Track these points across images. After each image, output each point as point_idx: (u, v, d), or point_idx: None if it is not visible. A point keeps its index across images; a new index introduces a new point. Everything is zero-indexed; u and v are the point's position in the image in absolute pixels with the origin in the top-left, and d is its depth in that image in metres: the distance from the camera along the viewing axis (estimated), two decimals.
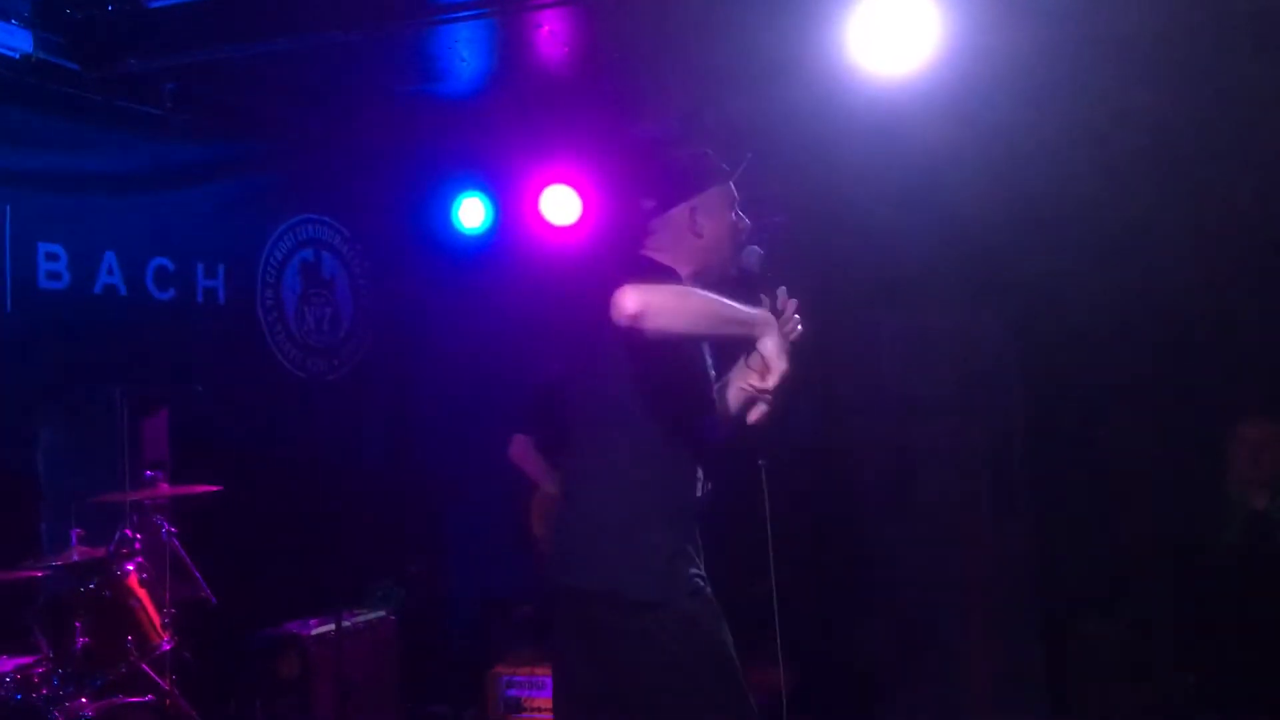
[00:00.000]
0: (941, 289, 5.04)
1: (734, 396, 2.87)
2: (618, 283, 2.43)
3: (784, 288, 2.74)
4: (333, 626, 4.72)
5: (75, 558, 3.85)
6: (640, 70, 5.29)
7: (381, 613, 5.38)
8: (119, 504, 4.19)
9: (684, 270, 2.77)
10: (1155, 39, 4.45)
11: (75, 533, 3.96)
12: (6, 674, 3.63)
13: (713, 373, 2.89)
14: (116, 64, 4.94)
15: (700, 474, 2.77)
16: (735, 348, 2.78)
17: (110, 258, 5.14)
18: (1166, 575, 4.80)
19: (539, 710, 5.38)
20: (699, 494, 2.77)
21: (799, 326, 2.71)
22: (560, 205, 6.31)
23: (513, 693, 5.73)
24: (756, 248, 2.80)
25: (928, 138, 4.88)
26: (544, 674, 5.28)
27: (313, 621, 5.03)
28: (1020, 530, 4.83)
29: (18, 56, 4.63)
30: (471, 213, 6.55)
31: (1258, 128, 4.59)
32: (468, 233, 6.58)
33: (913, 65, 4.31)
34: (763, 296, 2.72)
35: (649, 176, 2.97)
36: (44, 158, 4.83)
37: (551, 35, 4.99)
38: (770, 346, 2.52)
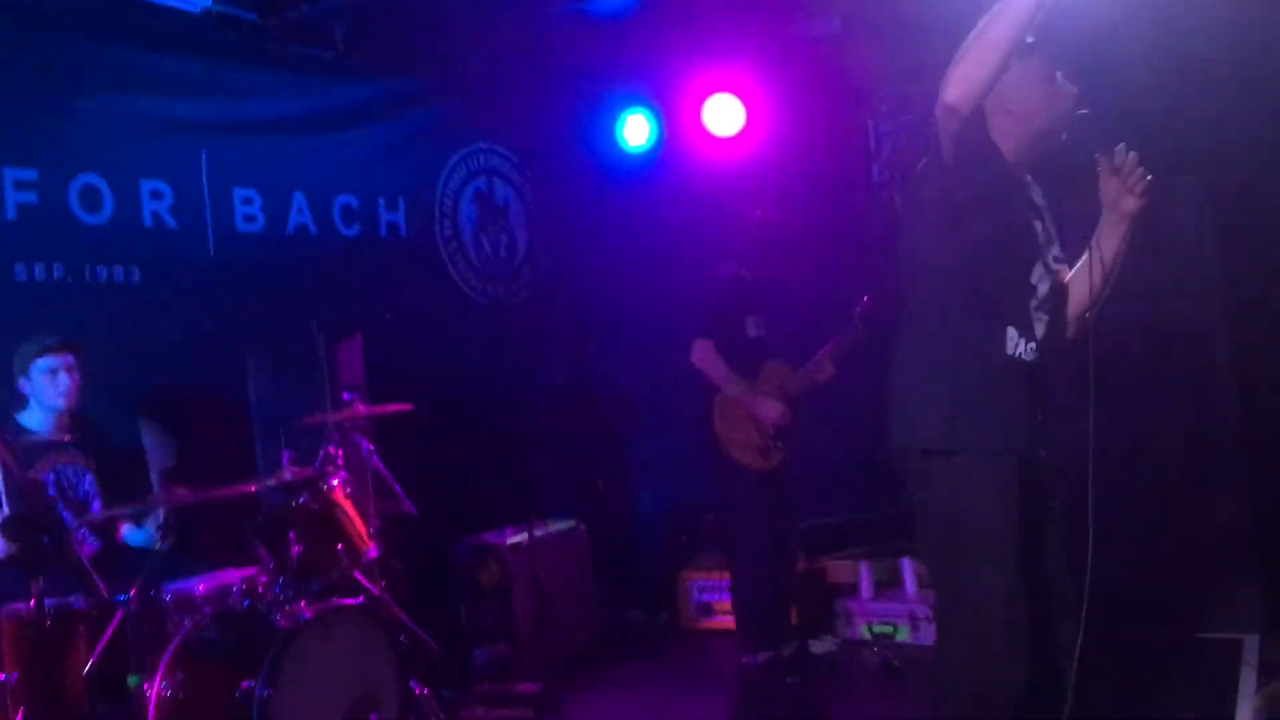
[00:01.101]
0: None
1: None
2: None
3: (1122, 144, 2.78)
4: (526, 536, 4.92)
5: (287, 476, 4.11)
6: None
7: (573, 523, 5.57)
8: (322, 425, 4.46)
9: (1005, 146, 2.85)
10: None
11: (286, 454, 4.23)
12: (233, 584, 3.95)
13: (1054, 243, 2.96)
14: (289, 10, 5.17)
15: (1016, 333, 2.85)
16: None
17: (299, 198, 5.42)
18: None
19: (728, 613, 5.49)
20: (1014, 352, 2.85)
21: (1148, 175, 2.76)
22: (724, 115, 6.26)
23: (704, 597, 5.88)
24: (1085, 111, 2.82)
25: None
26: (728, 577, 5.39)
27: (508, 531, 5.27)
28: (1227, 422, 4.60)
29: (198, 11, 4.91)
30: (636, 130, 6.57)
31: None
32: (634, 150, 6.61)
33: None
34: (1098, 158, 2.79)
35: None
36: (231, 105, 5.11)
37: None
38: None
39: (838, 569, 5.70)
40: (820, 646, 5.28)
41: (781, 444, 4.95)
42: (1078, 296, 2.97)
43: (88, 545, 4.06)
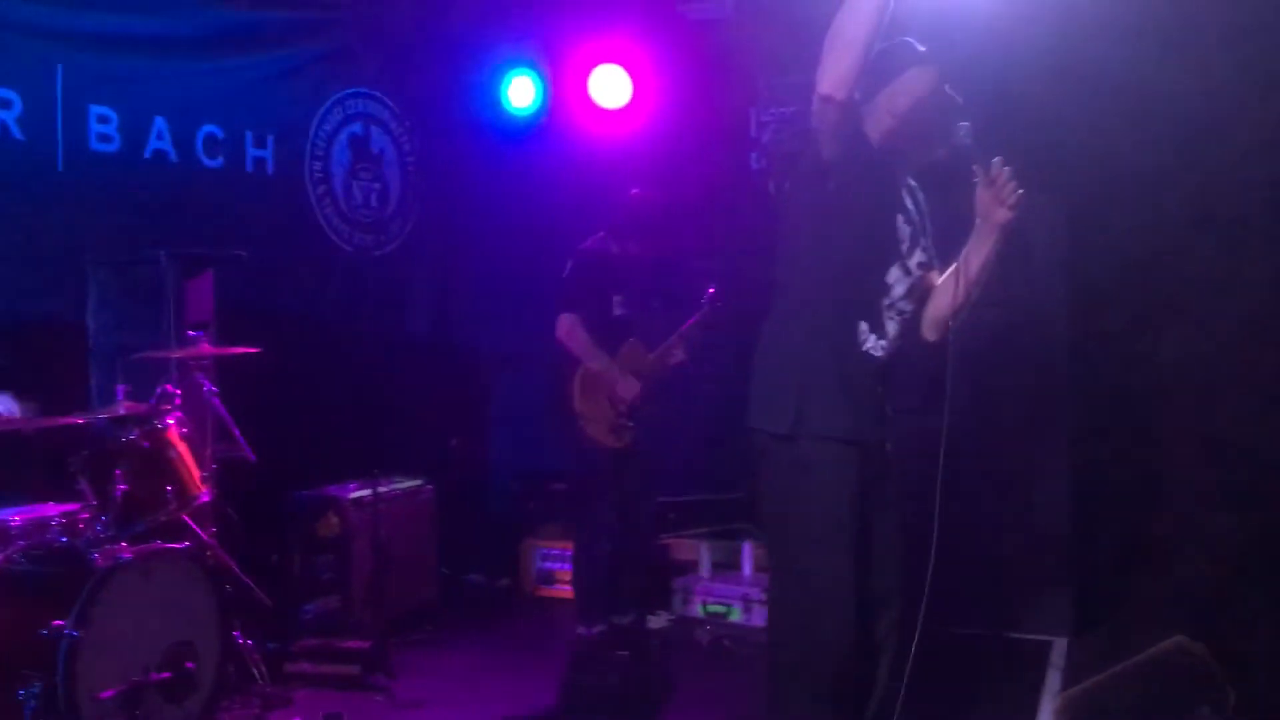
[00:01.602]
0: None
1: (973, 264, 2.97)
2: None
3: (999, 158, 2.86)
4: (370, 491, 4.84)
5: (120, 411, 3.96)
6: None
7: (419, 481, 5.50)
8: (163, 361, 4.30)
9: (885, 146, 2.96)
10: None
11: (121, 388, 4.07)
12: (52, 518, 3.78)
13: (920, 247, 3.04)
14: None
15: (868, 328, 2.95)
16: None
17: (160, 123, 5.18)
18: (1209, 480, 4.74)
19: (569, 582, 5.52)
20: (865, 347, 2.95)
21: (1019, 191, 2.84)
22: (611, 87, 6.24)
23: (546, 565, 5.89)
24: (966, 123, 2.87)
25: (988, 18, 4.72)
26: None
27: (351, 485, 5.17)
28: (1057, 429, 4.81)
29: None
30: (521, 91, 6.49)
31: None
32: (517, 112, 6.53)
33: None
34: (976, 168, 2.86)
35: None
36: (96, 18, 4.85)
37: None
38: None
39: (680, 547, 5.79)
40: (656, 622, 5.36)
41: (632, 424, 5.00)
42: (942, 301, 3.06)
43: None
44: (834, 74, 2.65)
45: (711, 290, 5.12)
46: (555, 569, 5.86)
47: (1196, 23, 4.52)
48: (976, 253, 2.95)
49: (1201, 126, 4.62)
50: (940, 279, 3.09)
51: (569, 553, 5.51)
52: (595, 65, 6.21)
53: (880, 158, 2.96)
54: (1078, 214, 4.92)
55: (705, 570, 5.61)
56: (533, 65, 6.48)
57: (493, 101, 6.54)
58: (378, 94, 6.38)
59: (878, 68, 2.88)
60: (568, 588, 5.58)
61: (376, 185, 6.41)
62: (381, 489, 4.95)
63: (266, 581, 4.55)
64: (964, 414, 4.71)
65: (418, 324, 6.66)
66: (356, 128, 6.28)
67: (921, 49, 2.98)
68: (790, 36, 5.56)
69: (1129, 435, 4.91)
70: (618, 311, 5.07)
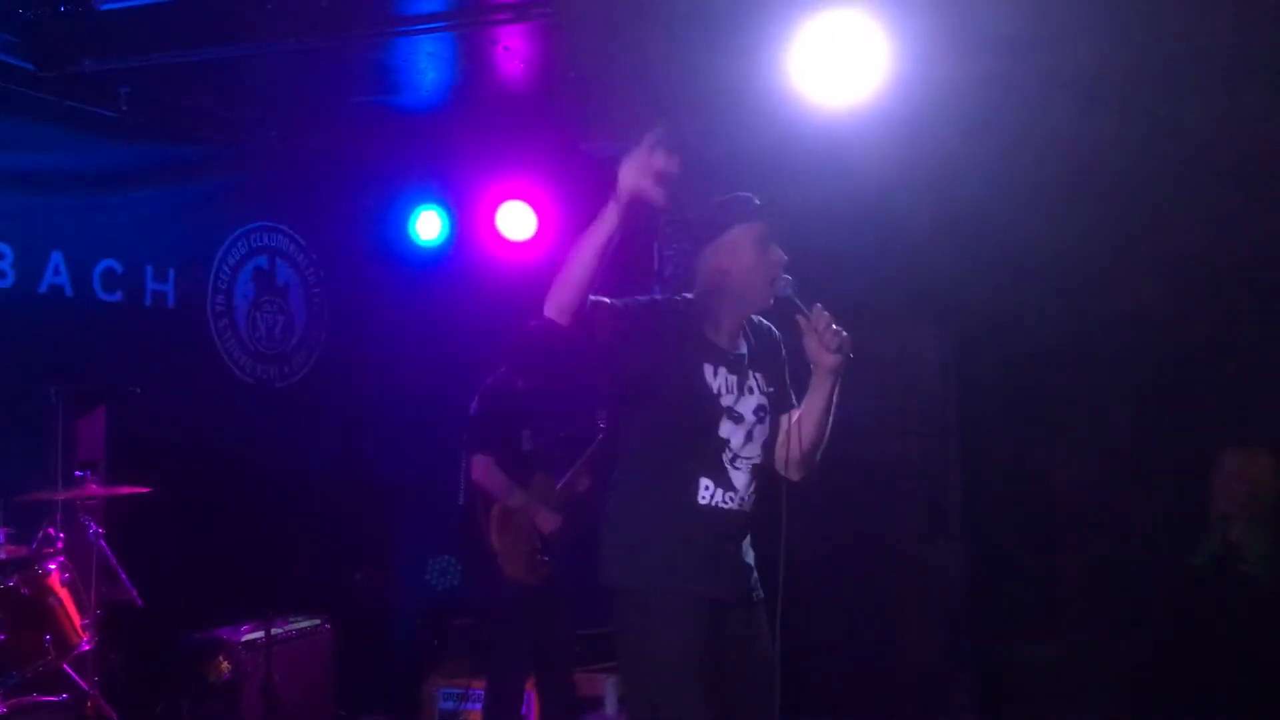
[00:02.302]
0: (882, 311, 5.10)
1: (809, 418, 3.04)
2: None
3: (818, 304, 2.94)
4: (263, 633, 4.70)
5: (1, 556, 3.83)
6: (594, 89, 5.33)
7: (317, 620, 5.36)
8: (50, 503, 4.18)
9: (714, 300, 3.05)
10: (1103, 73, 4.54)
11: (3, 531, 3.95)
12: None
13: (754, 393, 3.06)
14: (71, 65, 4.96)
15: (710, 482, 2.97)
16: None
17: (57, 258, 5.14)
18: (1101, 601, 4.85)
19: None
20: (708, 501, 2.97)
21: (843, 333, 2.91)
22: (516, 221, 6.36)
23: (448, 705, 5.73)
24: (787, 277, 2.99)
25: (872, 164, 4.95)
26: (479, 686, 5.29)
27: (245, 627, 5.02)
28: (953, 552, 4.87)
29: None
30: (428, 225, 6.58)
31: (1202, 162, 4.67)
32: (424, 245, 6.61)
33: (860, 93, 4.36)
34: (798, 319, 2.94)
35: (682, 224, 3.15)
36: None
37: (507, 51, 5.04)
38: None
39: (586, 682, 5.69)
40: None
41: (548, 558, 4.96)
42: (794, 444, 3.07)
43: None
44: (556, 301, 2.80)
45: (603, 422, 5.15)
46: (459, 709, 5.70)
47: (1065, 168, 4.79)
48: (815, 396, 3.01)
49: (1077, 262, 4.87)
50: (795, 418, 3.10)
51: (474, 691, 5.37)
52: (501, 200, 6.33)
53: (670, 318, 3.02)
54: (966, 344, 5.10)
55: (611, 708, 5.52)
56: (440, 199, 6.58)
57: (400, 234, 6.61)
58: (283, 227, 6.41)
59: (710, 220, 3.03)
60: None
61: (281, 317, 6.39)
62: (276, 629, 4.82)
63: None
64: (857, 540, 4.91)
65: (321, 456, 6.56)
66: (261, 260, 6.28)
67: (756, 203, 3.07)
68: (689, 173, 5.77)
69: (1029, 563, 5.01)
70: (526, 446, 5.07)
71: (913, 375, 4.96)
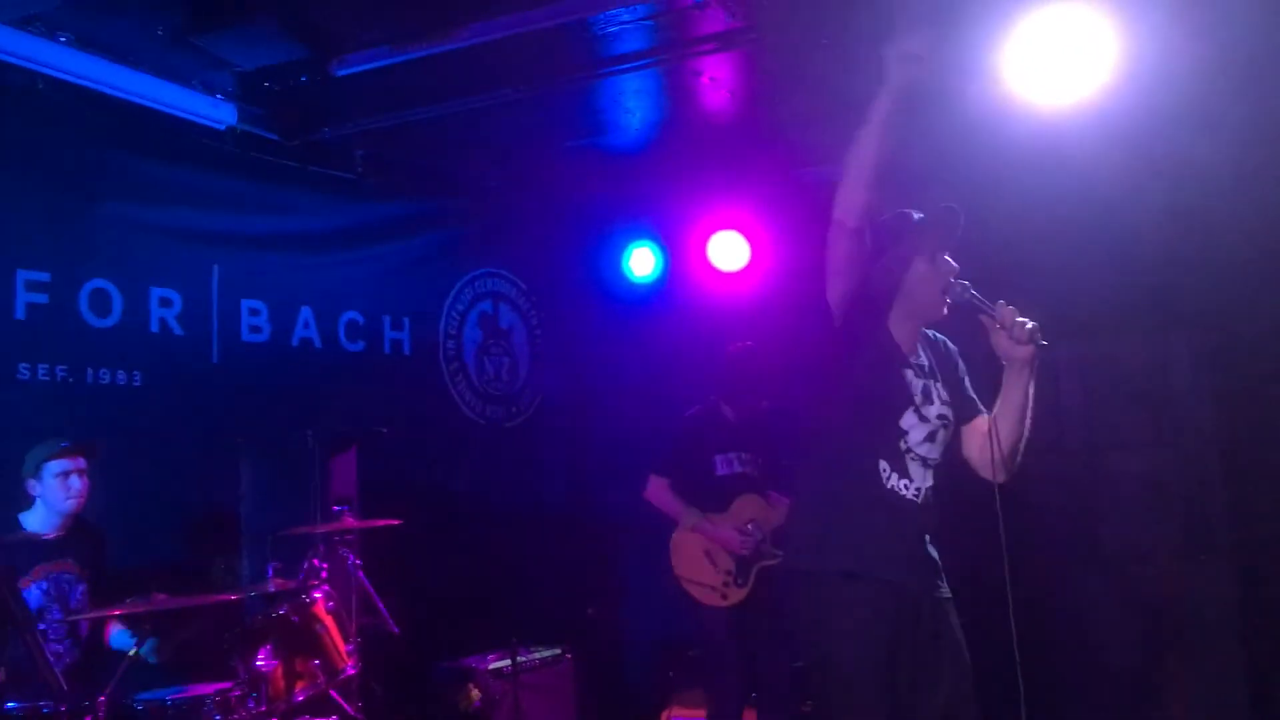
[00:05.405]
0: (1125, 320, 4.85)
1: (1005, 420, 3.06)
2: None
3: (1001, 300, 2.97)
4: (509, 661, 4.84)
5: (270, 588, 4.08)
6: (800, 112, 5.32)
7: (559, 650, 5.48)
8: (310, 536, 4.44)
9: (899, 312, 3.10)
10: None
11: (272, 565, 4.21)
12: (207, 697, 3.86)
13: (936, 400, 3.10)
14: (311, 132, 5.35)
15: (888, 466, 3.00)
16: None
17: (306, 312, 5.51)
18: None
19: None
20: (890, 486, 3.01)
21: (1030, 323, 2.91)
22: (728, 251, 6.40)
23: None
24: (964, 281, 3.04)
25: (1100, 166, 4.74)
26: None
27: (490, 656, 5.17)
28: (1220, 569, 4.55)
29: (223, 129, 5.08)
30: (642, 261, 6.71)
31: None
32: (638, 281, 6.73)
33: (1087, 91, 4.19)
34: (983, 318, 2.98)
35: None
36: (247, 220, 5.25)
37: (713, 82, 5.10)
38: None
39: None
40: None
41: (741, 581, 4.92)
42: (995, 443, 3.05)
43: (67, 655, 4.00)
44: (842, 200, 2.83)
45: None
46: None
47: None
48: (1012, 391, 3.01)
49: None
50: (986, 424, 3.10)
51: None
52: (713, 231, 6.39)
53: (877, 322, 3.07)
54: (1218, 348, 4.79)
55: None
56: (652, 235, 6.70)
57: (614, 272, 6.76)
58: (505, 272, 6.67)
59: (880, 239, 3.05)
60: None
61: (506, 359, 6.63)
62: (520, 659, 4.94)
63: None
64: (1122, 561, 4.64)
65: (550, 493, 6.75)
66: (486, 305, 6.54)
67: (918, 217, 3.10)
68: (900, 194, 5.67)
69: None
70: (721, 470, 5.06)
71: (1163, 382, 4.69)
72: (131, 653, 3.68)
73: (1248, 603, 4.60)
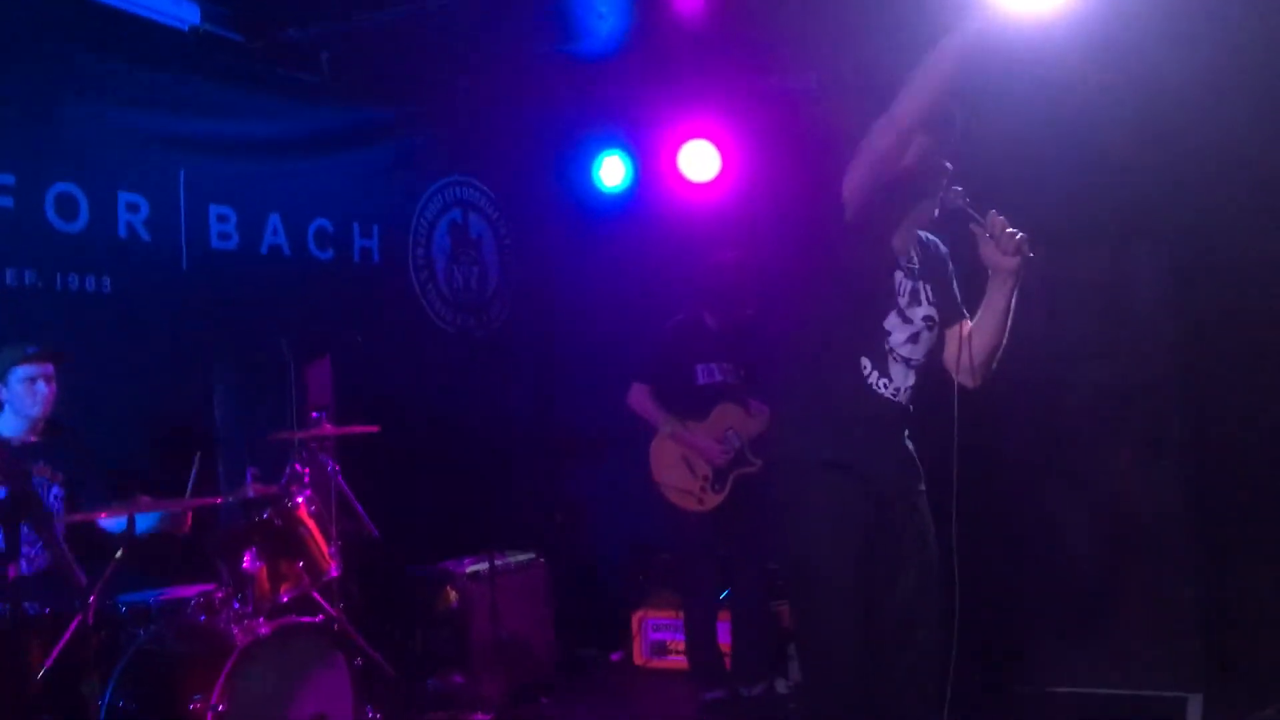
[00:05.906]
0: (1088, 230, 4.92)
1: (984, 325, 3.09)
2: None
3: (993, 210, 2.96)
4: (485, 565, 4.92)
5: (251, 493, 4.10)
6: (775, 21, 5.28)
7: (532, 555, 5.57)
8: (288, 443, 4.46)
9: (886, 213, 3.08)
10: None
11: (250, 470, 4.21)
12: (190, 599, 3.91)
13: (923, 303, 3.13)
14: (277, 33, 5.22)
15: (870, 363, 3.05)
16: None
17: (275, 219, 5.44)
18: None
19: (681, 652, 5.50)
20: (870, 382, 3.05)
21: (1019, 234, 2.93)
22: (699, 161, 6.38)
23: (657, 635, 5.89)
24: (957, 188, 3.01)
25: (1070, 78, 4.77)
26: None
27: (467, 560, 5.26)
28: (1172, 470, 4.69)
29: (186, 29, 4.95)
30: (612, 171, 6.67)
31: None
32: (608, 190, 6.71)
33: (1060, 3, 4.20)
34: (973, 227, 2.97)
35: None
36: (212, 124, 5.14)
37: None
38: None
39: (789, 613, 5.72)
40: (783, 687, 5.30)
41: (719, 486, 5.02)
42: (977, 345, 3.10)
43: (39, 559, 4.01)
44: (905, 100, 2.81)
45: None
46: (667, 639, 5.85)
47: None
48: (995, 299, 3.04)
49: None
50: (967, 328, 3.14)
51: (679, 622, 5.50)
52: (684, 140, 6.36)
53: (875, 226, 3.05)
54: (1181, 258, 4.88)
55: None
56: (623, 144, 6.66)
57: (584, 181, 6.73)
58: (474, 180, 6.61)
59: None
60: (680, 658, 5.57)
61: (476, 269, 6.61)
62: (496, 562, 5.03)
63: (390, 656, 4.63)
64: (1083, 475, 4.78)
65: (521, 401, 6.79)
66: (455, 214, 6.50)
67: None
68: (872, 109, 5.67)
69: (1259, 486, 4.79)
70: (702, 380, 5.13)
71: (1127, 293, 4.77)
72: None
73: (1200, 506, 4.76)
